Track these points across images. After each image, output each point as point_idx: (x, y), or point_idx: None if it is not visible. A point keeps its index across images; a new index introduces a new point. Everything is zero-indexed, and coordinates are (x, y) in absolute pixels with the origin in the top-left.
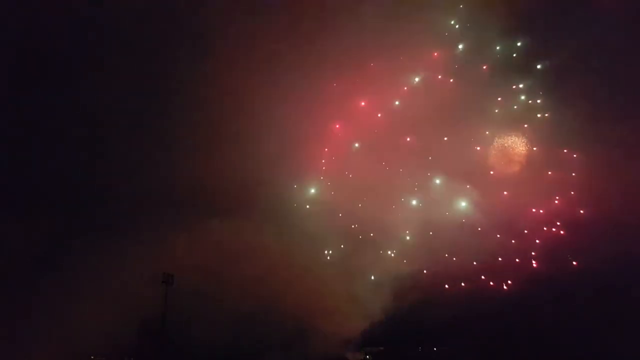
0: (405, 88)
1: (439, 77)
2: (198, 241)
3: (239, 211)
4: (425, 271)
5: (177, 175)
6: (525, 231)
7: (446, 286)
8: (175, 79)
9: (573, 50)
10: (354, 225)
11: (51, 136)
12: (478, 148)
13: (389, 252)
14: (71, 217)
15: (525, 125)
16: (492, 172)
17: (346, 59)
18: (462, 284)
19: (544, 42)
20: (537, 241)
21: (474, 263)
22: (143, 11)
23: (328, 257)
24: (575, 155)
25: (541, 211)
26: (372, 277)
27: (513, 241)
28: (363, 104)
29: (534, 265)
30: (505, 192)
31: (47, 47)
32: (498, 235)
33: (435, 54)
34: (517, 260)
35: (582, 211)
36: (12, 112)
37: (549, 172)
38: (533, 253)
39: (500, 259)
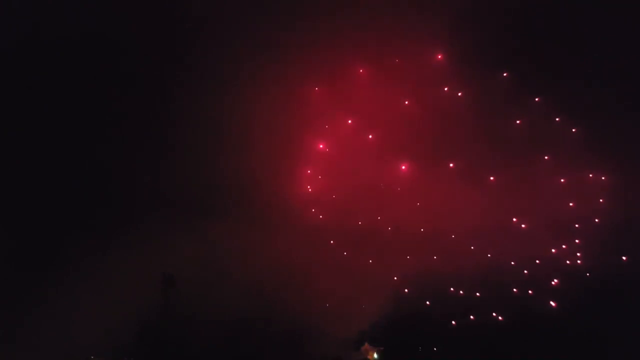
0: (407, 102)
1: (445, 89)
2: (198, 242)
3: (239, 212)
4: (428, 302)
5: (178, 176)
6: (537, 261)
7: (453, 322)
8: (177, 82)
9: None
10: (345, 252)
11: (50, 136)
12: (491, 178)
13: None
14: (70, 217)
15: (546, 157)
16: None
17: (327, 63)
18: (471, 317)
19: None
20: (556, 280)
21: (477, 294)
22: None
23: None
24: (603, 178)
25: (564, 246)
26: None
27: (525, 272)
28: (350, 121)
29: (553, 305)
30: (523, 225)
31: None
32: (512, 263)
33: (440, 56)
34: (530, 292)
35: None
36: (12, 111)
37: (570, 204)
38: (553, 283)
39: (515, 289)
